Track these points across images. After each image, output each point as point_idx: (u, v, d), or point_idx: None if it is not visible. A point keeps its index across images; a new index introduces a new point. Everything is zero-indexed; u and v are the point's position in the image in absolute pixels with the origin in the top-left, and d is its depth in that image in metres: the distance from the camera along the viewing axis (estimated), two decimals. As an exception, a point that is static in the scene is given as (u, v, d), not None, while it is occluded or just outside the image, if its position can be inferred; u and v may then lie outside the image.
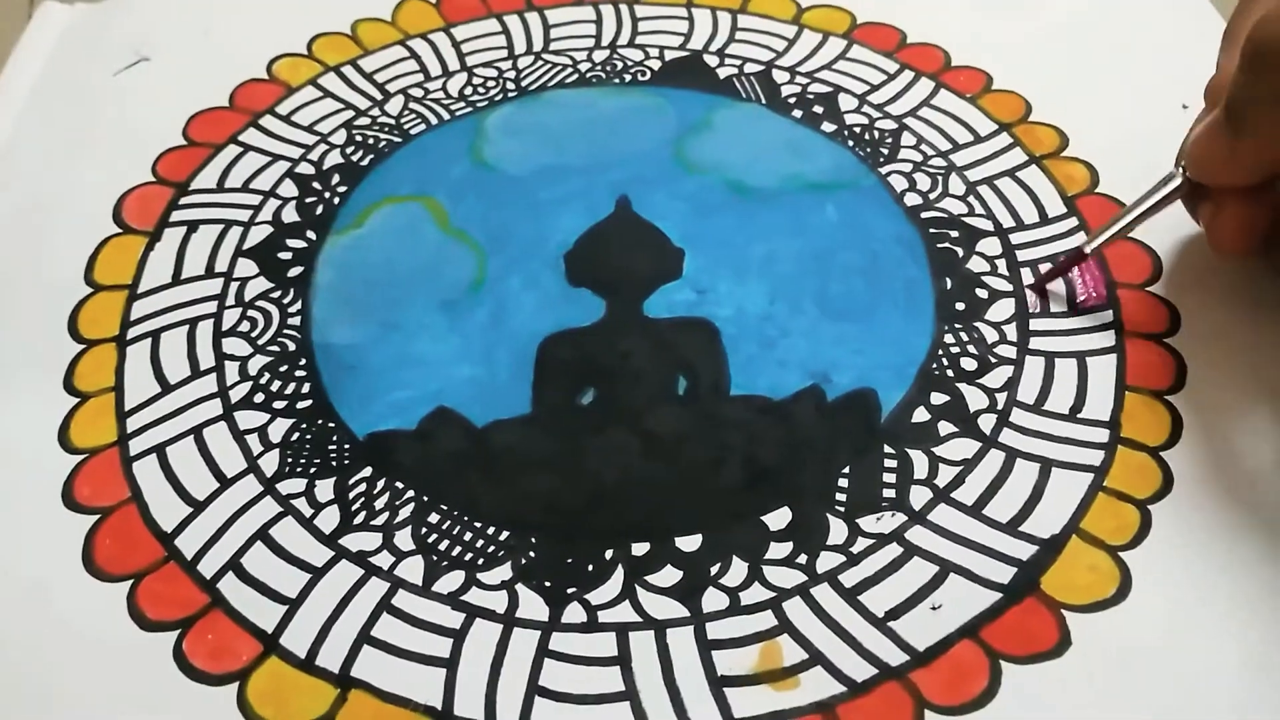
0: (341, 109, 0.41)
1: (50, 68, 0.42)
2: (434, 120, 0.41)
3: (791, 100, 0.41)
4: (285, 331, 0.34)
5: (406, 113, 0.41)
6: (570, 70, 0.42)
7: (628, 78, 0.42)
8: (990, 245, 0.36)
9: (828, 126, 0.40)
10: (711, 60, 0.43)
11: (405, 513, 0.30)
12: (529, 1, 0.45)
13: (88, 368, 0.33)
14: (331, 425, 0.32)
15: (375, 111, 0.41)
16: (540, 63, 0.43)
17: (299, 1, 0.45)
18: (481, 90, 0.42)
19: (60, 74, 0.42)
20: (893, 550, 0.29)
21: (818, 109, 0.41)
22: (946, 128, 0.40)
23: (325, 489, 0.31)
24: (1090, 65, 0.42)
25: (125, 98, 0.41)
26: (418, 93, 0.42)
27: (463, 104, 0.41)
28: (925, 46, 0.43)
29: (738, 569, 0.29)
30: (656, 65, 0.43)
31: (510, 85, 0.42)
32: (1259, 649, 0.27)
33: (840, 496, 0.30)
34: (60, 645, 0.28)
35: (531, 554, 0.29)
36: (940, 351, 0.34)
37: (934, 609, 0.28)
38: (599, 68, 0.43)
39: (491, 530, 0.30)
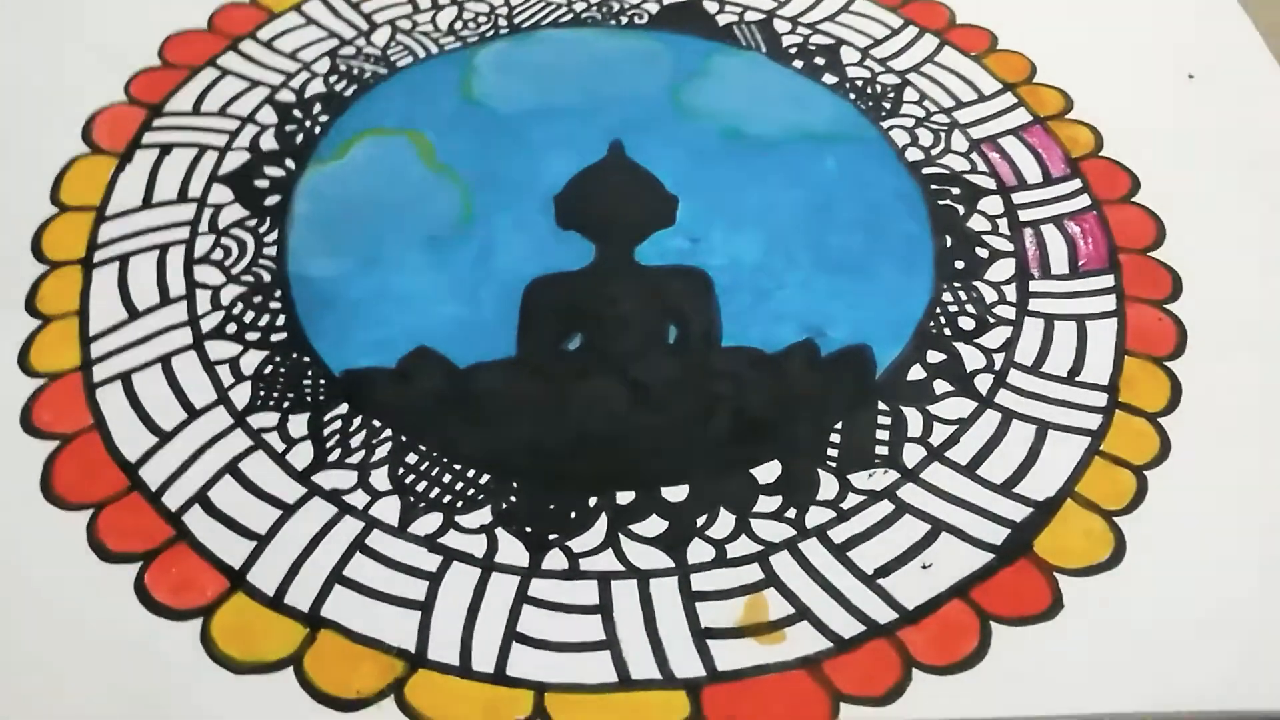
0: (326, 37, 0.40)
1: (20, -20, 0.40)
2: (422, 54, 0.39)
3: (793, 51, 0.40)
4: (260, 261, 0.33)
5: (394, 45, 0.39)
6: (565, 9, 0.41)
7: (624, 20, 0.41)
8: (992, 204, 0.35)
9: (829, 79, 0.39)
10: (711, 6, 0.41)
11: (382, 452, 0.29)
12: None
13: (51, 290, 0.32)
14: (307, 360, 0.31)
15: (361, 41, 0.39)
16: (534, 0, 0.41)
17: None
18: (472, 25, 0.40)
19: (30, -13, 0.40)
20: (884, 507, 0.28)
21: (819, 60, 0.40)
22: (950, 85, 0.39)
23: (299, 424, 0.29)
24: (1096, 30, 0.41)
25: (98, 15, 0.39)
26: (406, 25, 0.40)
27: (452, 38, 0.40)
28: (930, 3, 0.42)
29: (725, 521, 0.28)
30: (654, 9, 0.41)
31: (502, 22, 0.40)
32: (1252, 617, 0.27)
33: (832, 452, 0.29)
34: (14, 574, 0.26)
35: (512, 498, 0.28)
36: (938, 309, 0.33)
37: (924, 568, 0.27)
38: (594, 8, 0.41)
39: (472, 473, 0.29)
